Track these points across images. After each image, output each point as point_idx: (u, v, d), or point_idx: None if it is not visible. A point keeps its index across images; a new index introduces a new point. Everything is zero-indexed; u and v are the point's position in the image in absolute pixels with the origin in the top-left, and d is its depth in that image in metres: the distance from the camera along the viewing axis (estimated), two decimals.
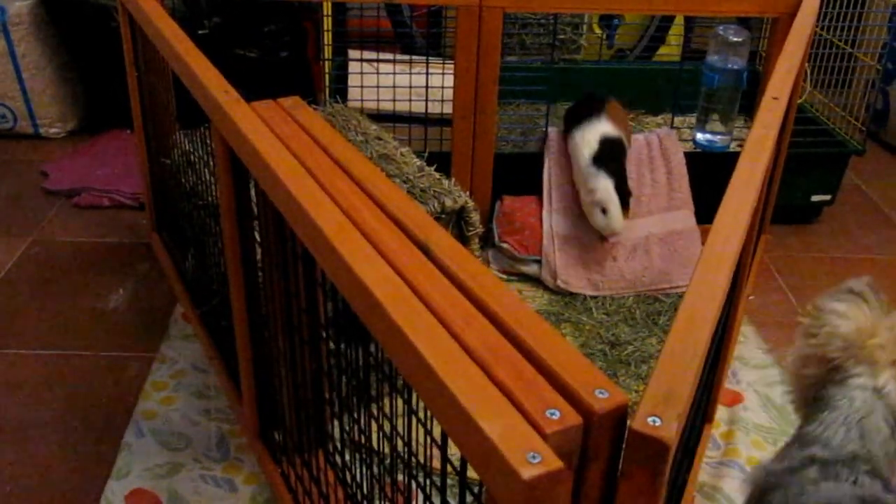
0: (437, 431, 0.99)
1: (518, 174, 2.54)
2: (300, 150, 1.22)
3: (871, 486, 1.19)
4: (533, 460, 0.70)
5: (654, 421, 0.73)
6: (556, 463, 0.70)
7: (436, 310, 0.88)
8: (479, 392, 0.77)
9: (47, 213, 2.81)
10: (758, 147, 1.24)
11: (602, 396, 0.76)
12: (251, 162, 1.30)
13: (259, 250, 1.58)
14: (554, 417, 0.74)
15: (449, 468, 0.99)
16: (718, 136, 2.77)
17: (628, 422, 0.75)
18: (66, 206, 2.86)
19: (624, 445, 0.75)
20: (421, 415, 1.05)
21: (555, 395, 0.77)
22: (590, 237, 2.42)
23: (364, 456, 1.41)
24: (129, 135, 3.24)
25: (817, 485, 1.20)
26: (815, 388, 1.35)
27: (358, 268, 0.94)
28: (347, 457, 1.53)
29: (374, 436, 1.29)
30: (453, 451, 0.89)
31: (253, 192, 1.49)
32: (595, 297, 2.36)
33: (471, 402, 0.76)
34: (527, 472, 0.69)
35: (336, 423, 1.56)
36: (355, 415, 1.38)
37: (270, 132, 1.29)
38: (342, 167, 1.17)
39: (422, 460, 1.13)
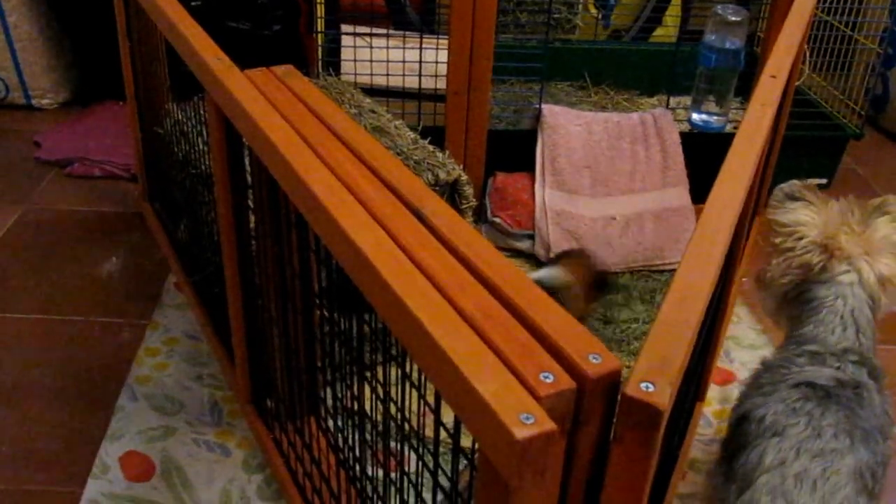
0: (430, 397, 1.00)
1: (511, 151, 2.54)
2: (294, 117, 1.22)
3: (855, 372, 1.27)
4: (526, 421, 0.70)
5: (647, 387, 0.74)
6: (549, 424, 0.70)
7: (430, 274, 0.88)
8: (474, 354, 0.77)
9: (40, 183, 2.80)
10: (755, 123, 1.24)
11: (596, 361, 0.76)
12: (245, 129, 1.29)
13: (252, 218, 1.58)
14: (548, 381, 0.74)
15: (443, 433, 0.99)
16: (714, 117, 2.77)
17: (621, 387, 0.75)
18: (59, 175, 2.86)
19: (617, 411, 0.76)
20: (415, 379, 1.05)
21: (549, 359, 0.77)
22: (583, 213, 2.43)
23: (356, 422, 1.42)
24: (122, 106, 3.24)
25: (802, 367, 1.28)
26: (793, 290, 1.43)
27: (352, 232, 0.94)
28: (340, 423, 1.54)
29: (368, 402, 1.29)
30: (447, 418, 0.90)
31: (247, 160, 1.49)
32: None
33: (465, 364, 0.76)
34: (520, 433, 0.69)
35: (328, 389, 1.57)
36: (348, 382, 1.38)
37: (264, 99, 1.29)
38: (336, 134, 1.17)
39: (415, 426, 1.14)
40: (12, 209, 2.65)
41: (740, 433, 1.27)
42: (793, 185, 1.49)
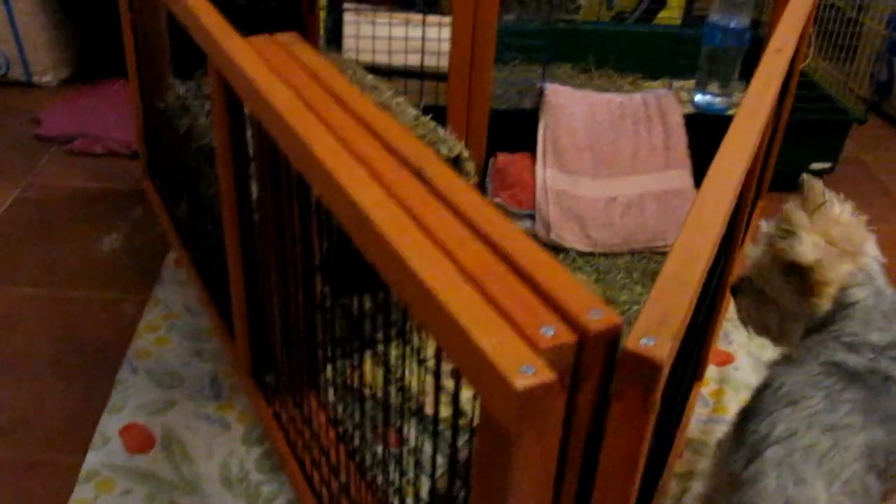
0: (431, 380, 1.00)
1: (512, 131, 2.53)
2: (296, 81, 1.22)
3: (890, 367, 1.23)
4: (527, 372, 0.70)
5: (647, 342, 0.74)
6: (549, 375, 0.70)
7: (430, 231, 0.88)
8: (474, 308, 0.78)
9: (41, 159, 2.80)
10: (760, 94, 1.24)
11: (596, 317, 0.76)
12: (246, 93, 1.29)
13: (254, 189, 1.58)
14: (548, 334, 0.75)
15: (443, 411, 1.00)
16: (718, 98, 2.75)
17: (621, 342, 0.75)
18: (60, 152, 2.86)
19: (616, 366, 0.76)
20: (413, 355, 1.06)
21: (549, 313, 0.78)
22: (584, 194, 2.42)
23: (355, 397, 1.43)
24: (122, 84, 3.24)
25: (835, 350, 1.25)
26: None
27: (352, 190, 0.95)
28: (339, 398, 1.54)
29: (368, 376, 1.30)
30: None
31: (249, 130, 1.49)
32: (588, 256, 2.37)
33: (465, 318, 0.76)
34: (520, 383, 0.69)
35: (329, 365, 1.57)
36: (350, 358, 1.39)
37: (265, 64, 1.29)
38: (337, 98, 1.17)
39: (417, 401, 1.14)
40: (13, 186, 2.65)
41: (757, 399, 1.26)
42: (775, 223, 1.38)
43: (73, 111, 3.07)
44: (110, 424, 1.81)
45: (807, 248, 1.25)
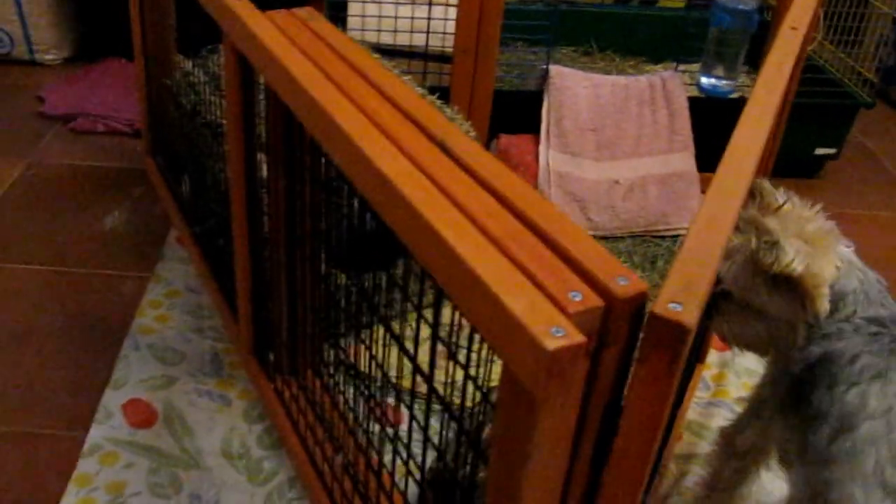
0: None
1: (515, 113, 2.53)
2: (316, 55, 1.22)
3: None
4: (556, 334, 0.71)
5: (675, 307, 0.74)
6: (578, 337, 0.71)
7: (457, 201, 0.88)
8: (503, 273, 0.78)
9: (43, 138, 2.80)
10: (775, 73, 1.24)
11: (623, 283, 0.77)
12: (266, 66, 1.29)
13: (263, 168, 1.58)
14: (576, 299, 0.75)
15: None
16: (723, 81, 2.75)
17: (649, 306, 0.76)
18: (62, 130, 2.86)
19: (643, 329, 0.76)
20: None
21: (577, 279, 0.78)
22: (586, 176, 2.43)
23: (357, 375, 1.43)
24: (125, 63, 3.24)
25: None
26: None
27: (378, 160, 0.95)
28: (340, 376, 1.55)
29: (379, 350, 1.30)
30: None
31: (263, 105, 1.49)
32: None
33: (495, 282, 0.76)
34: (551, 344, 0.70)
35: (331, 342, 1.58)
36: (359, 335, 1.39)
37: (286, 37, 1.29)
38: (358, 71, 1.17)
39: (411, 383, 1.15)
40: (17, 163, 2.65)
41: (820, 373, 1.22)
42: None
43: (75, 90, 3.07)
44: (113, 399, 1.81)
45: (793, 257, 1.20)
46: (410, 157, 0.96)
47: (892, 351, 1.19)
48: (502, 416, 0.83)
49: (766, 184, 1.33)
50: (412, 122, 1.04)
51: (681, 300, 0.75)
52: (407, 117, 1.06)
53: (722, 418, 1.88)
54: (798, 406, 1.25)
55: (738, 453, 1.47)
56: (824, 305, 1.23)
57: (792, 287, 1.24)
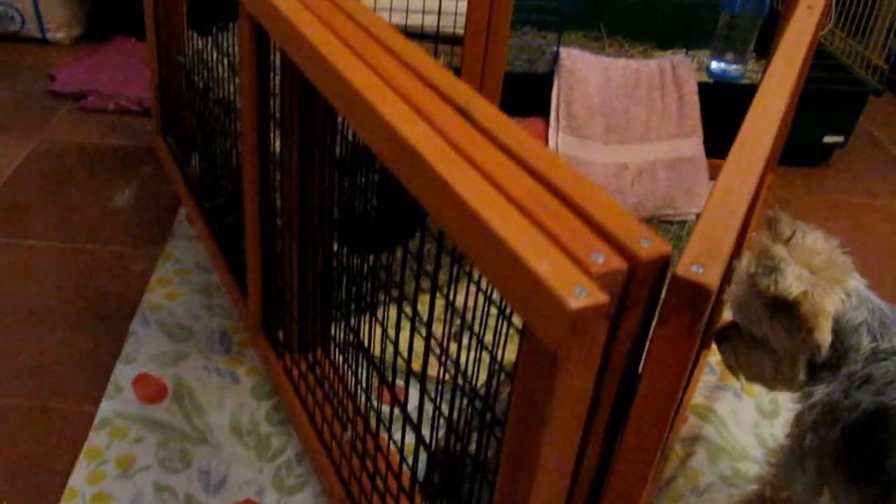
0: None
1: (525, 95, 2.53)
2: (334, 23, 1.22)
3: None
4: (579, 294, 0.70)
5: (697, 269, 0.75)
6: (602, 297, 0.71)
7: (479, 165, 0.88)
8: (526, 235, 0.78)
9: (54, 115, 2.81)
10: (792, 50, 1.24)
11: (646, 245, 0.76)
12: (283, 35, 1.29)
13: (275, 144, 1.58)
14: (599, 260, 0.75)
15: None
16: (733, 66, 2.75)
17: (671, 269, 0.76)
18: (73, 108, 2.88)
19: (664, 293, 0.76)
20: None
21: (600, 241, 0.78)
22: (595, 159, 2.43)
23: (365, 354, 1.44)
24: (135, 42, 3.26)
25: None
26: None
27: (399, 125, 0.94)
28: (349, 354, 1.55)
29: (391, 327, 1.30)
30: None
31: (279, 77, 1.49)
32: None
33: (518, 243, 0.76)
34: (574, 303, 0.69)
35: (342, 321, 1.58)
36: (373, 311, 1.39)
37: (303, 6, 1.29)
38: (376, 38, 1.17)
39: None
40: (27, 140, 2.65)
41: (886, 434, 1.19)
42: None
43: (85, 68, 3.08)
44: (123, 374, 1.82)
45: (791, 280, 1.19)
46: (431, 122, 0.96)
47: None
48: (521, 379, 0.83)
49: (783, 214, 1.32)
50: (432, 89, 1.04)
51: (703, 263, 0.75)
52: (427, 84, 1.06)
53: (726, 402, 1.89)
54: (868, 467, 1.22)
55: None
56: (824, 336, 1.21)
57: (792, 317, 1.22)
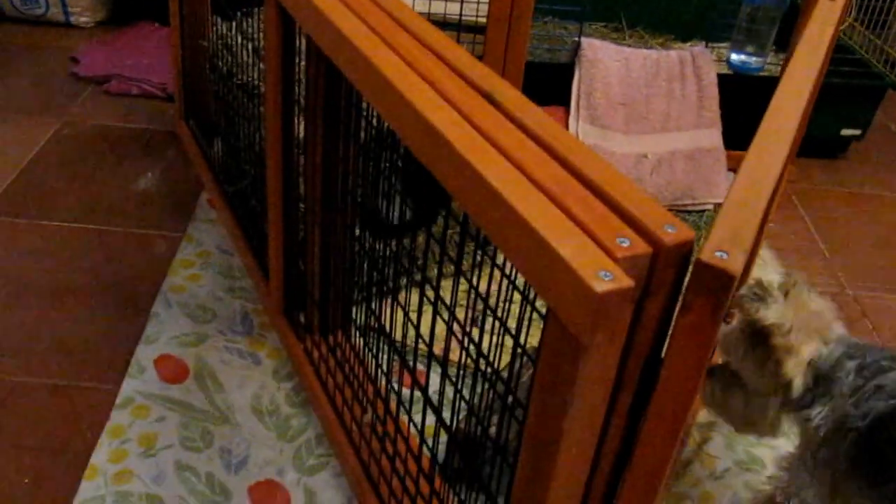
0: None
1: (545, 84, 2.53)
2: (359, 9, 1.23)
3: None
4: (605, 277, 0.72)
5: (720, 255, 0.76)
6: (627, 281, 0.72)
7: (505, 151, 0.89)
8: (551, 219, 0.79)
9: (77, 98, 2.84)
10: (814, 43, 1.25)
11: (671, 231, 0.78)
12: (309, 20, 1.30)
13: (299, 129, 1.60)
14: (624, 245, 0.76)
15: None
16: (753, 58, 2.75)
17: (695, 254, 0.77)
18: (96, 91, 2.90)
19: (688, 278, 0.77)
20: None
21: (625, 226, 0.79)
22: (615, 149, 2.44)
23: (387, 337, 1.45)
24: (157, 28, 3.28)
25: None
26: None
27: (426, 111, 0.96)
28: (370, 338, 1.56)
29: (413, 311, 1.31)
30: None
31: (303, 63, 1.50)
32: None
33: (543, 227, 0.77)
34: (599, 287, 0.71)
35: (363, 304, 1.59)
36: (395, 297, 1.41)
37: None
38: (403, 26, 1.19)
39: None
40: (51, 122, 2.68)
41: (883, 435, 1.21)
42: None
43: (109, 52, 3.10)
44: (145, 355, 1.84)
45: (770, 311, 1.20)
46: (458, 108, 0.97)
47: None
48: (545, 363, 0.84)
49: (798, 273, 1.31)
50: (459, 75, 1.06)
51: (726, 249, 0.77)
52: (453, 70, 1.07)
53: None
54: (881, 468, 1.22)
55: None
56: (792, 373, 1.22)
57: (766, 350, 1.22)
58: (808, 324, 1.24)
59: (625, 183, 0.85)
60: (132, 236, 2.20)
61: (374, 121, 1.38)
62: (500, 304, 1.08)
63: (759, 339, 1.22)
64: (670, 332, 0.82)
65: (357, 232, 1.56)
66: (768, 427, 1.31)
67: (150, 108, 2.82)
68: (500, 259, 1.10)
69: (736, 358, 1.26)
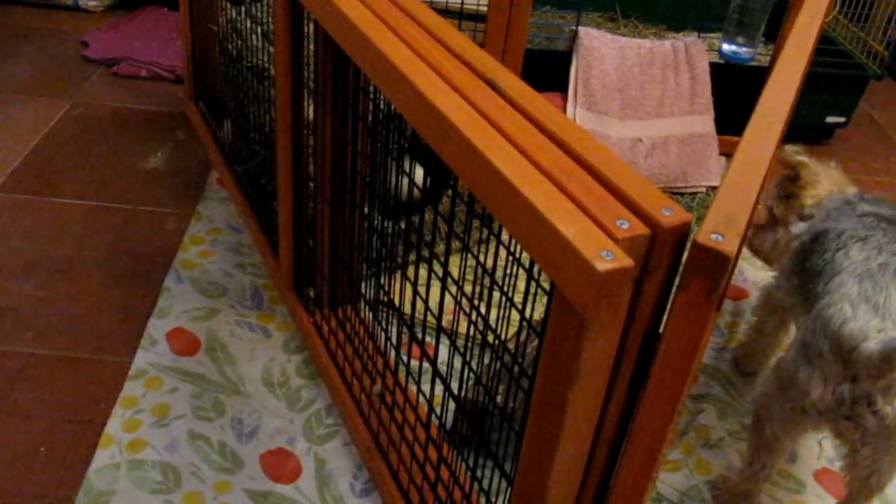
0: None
1: (544, 72, 2.58)
2: None
3: None
4: (606, 257, 0.77)
5: (716, 237, 0.80)
6: (627, 260, 0.77)
7: (508, 135, 0.94)
8: (554, 201, 0.84)
9: (87, 80, 2.88)
10: (804, 34, 1.30)
11: (668, 213, 0.83)
12: (318, 6, 1.35)
13: (308, 110, 1.64)
14: (624, 227, 0.81)
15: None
16: (743, 48, 2.82)
17: (692, 236, 0.82)
18: (106, 74, 2.95)
19: (685, 259, 0.82)
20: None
21: (624, 209, 0.84)
22: (611, 134, 2.49)
23: (396, 311, 1.49)
24: (166, 12, 3.31)
25: (865, 208, 1.55)
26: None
27: (431, 96, 1.01)
28: (378, 311, 1.61)
29: (421, 286, 1.36)
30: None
31: (311, 47, 1.54)
32: None
33: (546, 209, 0.82)
34: (601, 266, 0.76)
35: (372, 279, 1.64)
36: (404, 271, 1.45)
37: None
38: (409, 14, 1.23)
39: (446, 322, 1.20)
40: (61, 103, 2.73)
41: (817, 245, 1.51)
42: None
43: (118, 36, 3.14)
44: (157, 328, 1.90)
45: (806, 158, 1.68)
46: (462, 94, 1.02)
47: (875, 227, 1.46)
48: (550, 338, 0.90)
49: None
50: (462, 62, 1.10)
51: (722, 231, 0.81)
52: (457, 57, 1.12)
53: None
54: (802, 267, 1.55)
55: (775, 308, 1.79)
56: (805, 203, 1.66)
57: (794, 189, 1.69)
58: (830, 176, 1.69)
59: (623, 167, 0.90)
60: (143, 214, 2.25)
61: (382, 103, 1.43)
62: (506, 279, 1.12)
63: (792, 178, 1.69)
64: (668, 308, 0.86)
65: (366, 210, 1.61)
66: (779, 254, 1.75)
67: (159, 91, 2.87)
68: (504, 237, 1.16)
69: (773, 204, 1.75)
